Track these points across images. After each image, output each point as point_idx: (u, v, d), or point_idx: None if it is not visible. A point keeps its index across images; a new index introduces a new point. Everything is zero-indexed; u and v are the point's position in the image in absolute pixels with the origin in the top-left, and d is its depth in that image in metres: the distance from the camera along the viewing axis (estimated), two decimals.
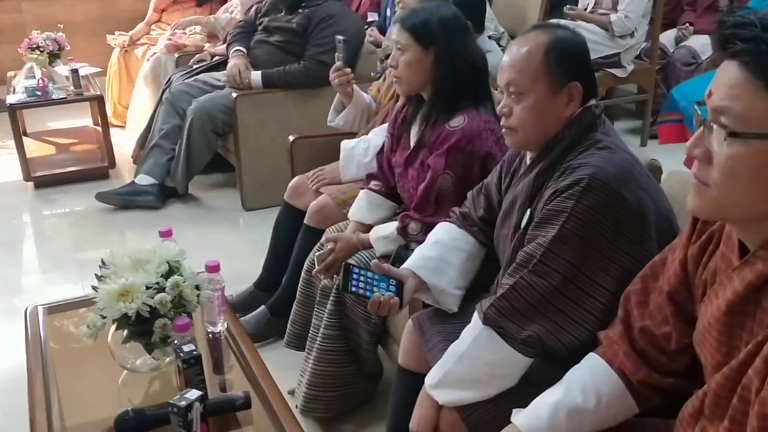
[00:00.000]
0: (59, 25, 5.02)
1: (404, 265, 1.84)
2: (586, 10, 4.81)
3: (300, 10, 3.93)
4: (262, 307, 2.80)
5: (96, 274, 1.71)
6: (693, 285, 1.28)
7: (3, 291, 3.34)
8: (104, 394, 1.79)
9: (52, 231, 4.10)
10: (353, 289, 1.72)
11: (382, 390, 2.41)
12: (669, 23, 5.28)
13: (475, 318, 1.57)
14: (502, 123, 1.68)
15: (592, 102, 1.65)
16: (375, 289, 1.72)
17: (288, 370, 2.45)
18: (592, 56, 1.69)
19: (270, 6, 4.14)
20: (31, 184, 4.51)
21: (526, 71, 1.60)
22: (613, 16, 4.58)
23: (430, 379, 1.62)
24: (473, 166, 2.10)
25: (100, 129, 4.71)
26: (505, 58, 1.65)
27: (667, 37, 5.08)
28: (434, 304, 1.85)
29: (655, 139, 4.24)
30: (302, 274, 2.49)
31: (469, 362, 1.55)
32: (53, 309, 2.08)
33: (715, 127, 1.04)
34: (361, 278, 1.74)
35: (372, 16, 4.95)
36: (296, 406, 2.29)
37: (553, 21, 3.82)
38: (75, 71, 4.56)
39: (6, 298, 3.29)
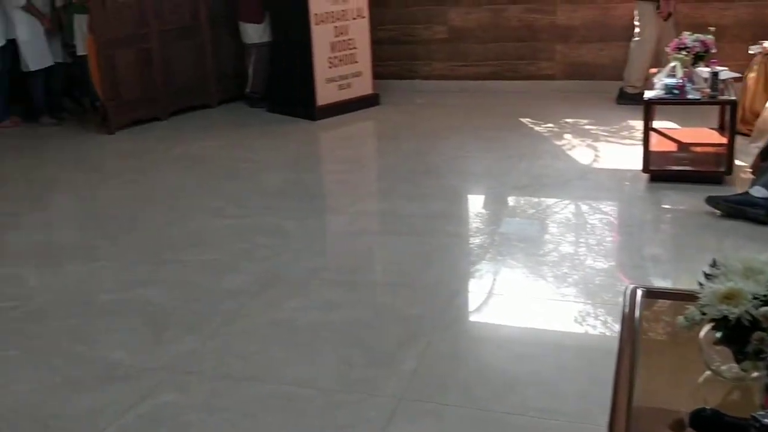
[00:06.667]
0: (710, 28, 5.03)
1: None
2: None
3: None
4: None
5: (704, 272, 1.75)
6: None
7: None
8: (681, 386, 1.83)
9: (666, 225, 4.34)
10: None
11: None
12: None
13: None
14: None
15: None
16: None
17: None
18: None
19: None
20: (647, 176, 4.73)
21: None
22: None
23: None
24: None
25: (724, 134, 4.68)
26: None
27: None
28: None
29: None
30: None
31: None
32: (651, 293, 2.18)
33: None
34: None
35: None
36: None
37: None
38: (715, 74, 4.56)
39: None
